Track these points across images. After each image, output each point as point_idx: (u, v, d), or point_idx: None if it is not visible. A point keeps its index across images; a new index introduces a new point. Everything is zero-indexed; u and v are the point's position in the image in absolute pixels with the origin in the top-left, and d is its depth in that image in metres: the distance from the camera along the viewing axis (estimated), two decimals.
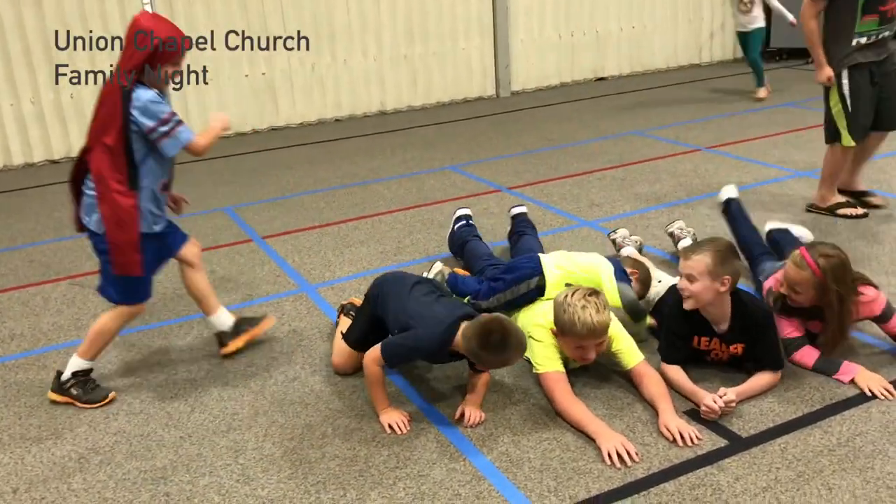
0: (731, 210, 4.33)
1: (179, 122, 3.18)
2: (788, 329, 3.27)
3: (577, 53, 10.01)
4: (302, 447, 2.98)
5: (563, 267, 3.56)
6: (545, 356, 3.16)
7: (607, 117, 8.17)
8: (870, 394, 3.04)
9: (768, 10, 8.54)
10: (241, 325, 3.71)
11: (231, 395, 3.38)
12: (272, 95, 8.61)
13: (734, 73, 10.10)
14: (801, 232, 4.33)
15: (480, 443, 2.93)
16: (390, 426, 3.04)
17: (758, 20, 8.29)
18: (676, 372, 3.17)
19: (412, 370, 3.47)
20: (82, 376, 3.38)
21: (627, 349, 3.20)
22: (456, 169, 6.65)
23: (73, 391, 3.36)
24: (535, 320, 3.27)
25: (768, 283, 3.41)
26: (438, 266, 3.98)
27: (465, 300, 3.62)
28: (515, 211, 4.64)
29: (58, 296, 4.56)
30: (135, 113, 3.09)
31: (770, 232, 4.33)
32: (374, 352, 3.06)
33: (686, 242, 4.28)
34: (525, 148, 7.18)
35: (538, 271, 3.52)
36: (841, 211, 4.87)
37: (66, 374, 3.38)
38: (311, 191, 6.31)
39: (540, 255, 3.71)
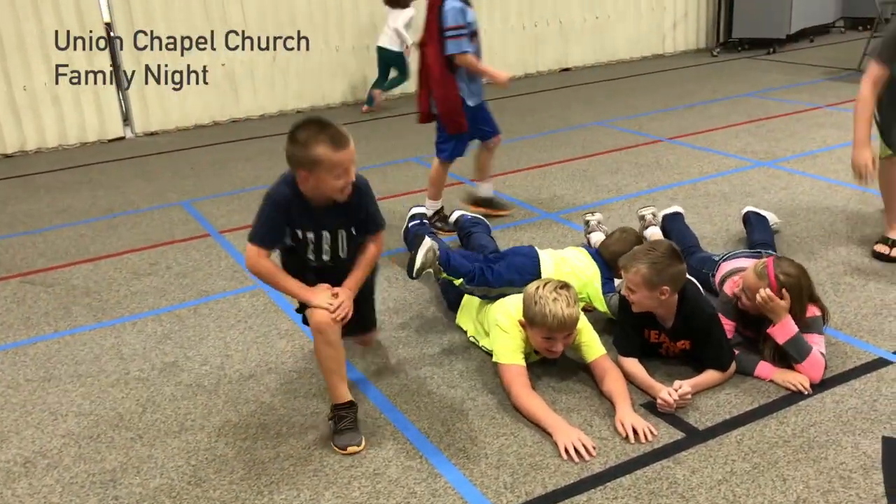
0: (675, 217, 4.36)
1: (464, 35, 4.45)
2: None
3: (542, 44, 9.99)
4: (256, 447, 2.93)
5: (559, 268, 3.58)
6: (508, 348, 3.14)
7: (571, 108, 8.16)
8: (793, 388, 3.04)
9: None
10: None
11: (184, 394, 3.31)
12: (232, 87, 8.48)
13: (697, 62, 10.15)
14: (772, 217, 4.41)
15: (437, 439, 2.90)
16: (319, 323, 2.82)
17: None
18: (633, 364, 3.16)
19: (369, 366, 3.43)
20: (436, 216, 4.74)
21: (590, 342, 3.20)
22: (419, 161, 6.59)
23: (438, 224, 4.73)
24: (506, 309, 3.25)
25: (728, 287, 3.39)
26: (428, 243, 3.61)
27: (458, 282, 3.54)
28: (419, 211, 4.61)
29: (8, 294, 4.45)
30: (442, 16, 4.36)
31: (747, 213, 4.38)
32: (248, 248, 2.90)
33: (652, 231, 4.27)
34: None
35: (537, 273, 3.53)
36: None
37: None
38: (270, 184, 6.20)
39: (539, 252, 3.70)
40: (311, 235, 2.94)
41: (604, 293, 3.57)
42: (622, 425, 2.87)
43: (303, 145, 2.79)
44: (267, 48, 8.38)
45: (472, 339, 3.57)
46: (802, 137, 5.06)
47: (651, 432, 2.84)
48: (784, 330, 3.08)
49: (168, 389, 3.35)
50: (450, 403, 3.12)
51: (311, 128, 2.82)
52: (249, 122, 8.54)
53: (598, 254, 3.77)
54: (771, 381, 3.11)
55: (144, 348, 3.72)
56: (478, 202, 5.13)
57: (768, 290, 3.05)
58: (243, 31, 8.25)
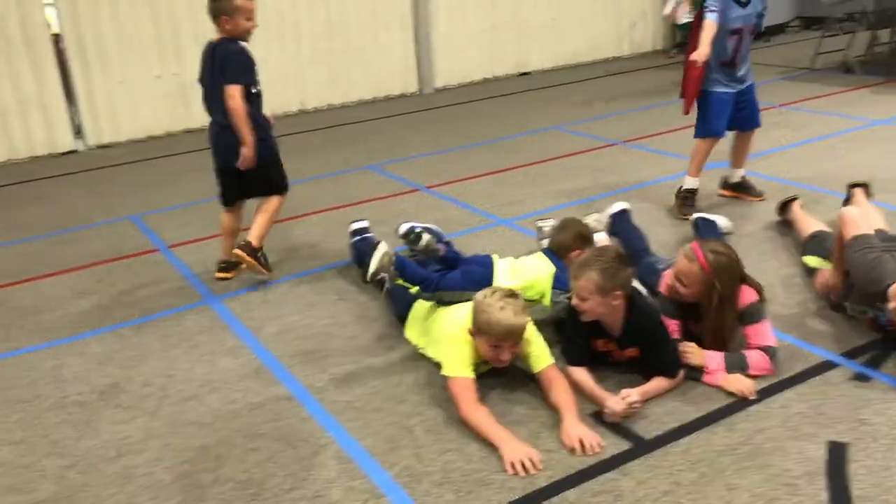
0: (621, 217, 4.35)
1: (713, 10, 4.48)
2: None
3: (501, 48, 9.97)
4: (195, 471, 2.84)
5: (514, 277, 3.55)
6: (457, 360, 3.08)
7: (529, 113, 8.14)
8: (739, 394, 3.02)
9: None
10: None
11: (123, 417, 3.22)
12: (185, 97, 8.35)
13: (653, 65, 10.19)
14: (722, 221, 4.40)
15: (381, 457, 2.84)
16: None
17: None
18: (581, 373, 3.13)
19: (314, 382, 3.35)
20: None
21: (538, 352, 3.15)
22: (376, 168, 6.53)
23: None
24: (454, 320, 3.20)
25: (662, 285, 3.37)
26: (384, 248, 3.61)
27: (415, 289, 3.50)
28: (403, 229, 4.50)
29: None
30: None
31: (696, 219, 4.40)
32: (231, 88, 4.06)
33: (597, 238, 4.24)
34: (446, 146, 7.10)
35: (489, 282, 3.50)
36: None
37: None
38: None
39: (497, 262, 3.66)
40: (257, 68, 4.17)
41: (554, 288, 3.52)
42: (568, 437, 2.83)
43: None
44: None
45: (421, 350, 3.51)
46: (756, 138, 5.08)
47: (598, 443, 2.80)
48: (715, 372, 3.10)
49: (107, 413, 3.25)
50: (396, 419, 3.06)
51: None
52: (203, 132, 8.38)
53: (552, 253, 3.72)
54: (717, 386, 3.09)
55: (85, 370, 3.61)
56: (729, 187, 5.18)
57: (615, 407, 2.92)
58: (195, 40, 8.13)
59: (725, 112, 4.81)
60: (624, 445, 2.81)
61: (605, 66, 10.36)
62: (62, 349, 3.82)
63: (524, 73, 10.19)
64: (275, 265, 4.64)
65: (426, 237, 3.72)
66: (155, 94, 8.16)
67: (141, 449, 3.00)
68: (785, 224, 4.57)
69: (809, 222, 4.25)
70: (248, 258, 4.22)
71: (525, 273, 3.60)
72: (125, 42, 7.88)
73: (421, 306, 3.61)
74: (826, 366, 3.19)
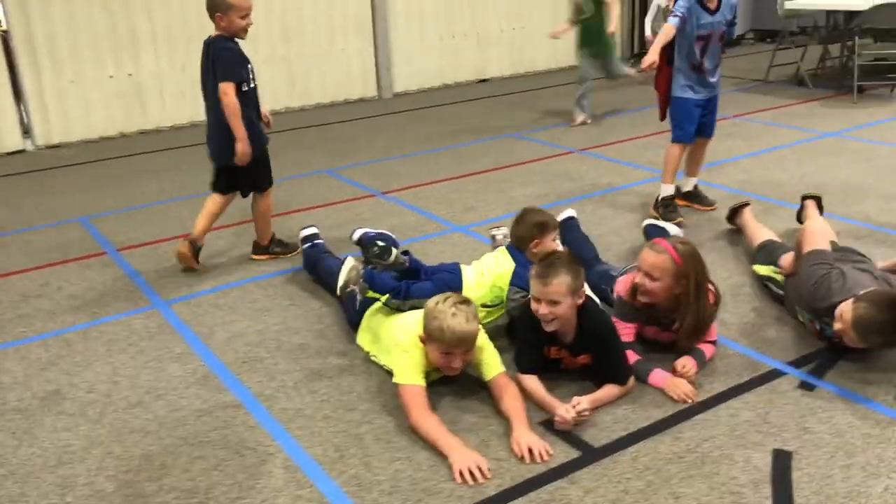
0: (569, 225, 4.38)
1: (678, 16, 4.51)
2: (621, 333, 3.24)
3: (460, 55, 9.98)
4: (138, 480, 2.78)
5: (479, 279, 3.56)
6: (408, 368, 3.06)
7: (487, 119, 8.16)
8: (677, 399, 3.07)
9: None
10: None
11: (65, 424, 3.13)
12: (140, 97, 8.21)
13: None
14: (673, 229, 4.44)
15: (330, 466, 2.80)
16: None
17: None
18: (531, 381, 3.12)
19: (263, 389, 3.30)
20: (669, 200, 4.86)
21: (490, 359, 3.15)
22: (332, 173, 6.48)
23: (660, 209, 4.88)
24: (406, 327, 3.18)
25: (618, 289, 3.40)
26: (351, 262, 3.61)
27: (384, 298, 3.49)
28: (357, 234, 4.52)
29: None
30: None
31: (647, 226, 4.45)
32: (225, 86, 4.17)
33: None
34: (404, 151, 7.08)
35: (459, 288, 3.50)
36: None
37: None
38: (177, 198, 6.02)
39: (462, 267, 3.66)
40: (250, 66, 4.29)
41: (512, 284, 3.50)
42: (518, 445, 2.82)
43: None
44: (177, 58, 8.16)
45: (373, 358, 3.48)
46: (710, 148, 5.15)
47: (547, 452, 2.79)
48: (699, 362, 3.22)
49: (48, 420, 3.17)
50: (346, 427, 3.03)
51: None
52: (159, 133, 8.28)
53: (514, 247, 3.72)
54: (661, 388, 3.12)
55: (26, 376, 3.51)
56: (681, 196, 5.18)
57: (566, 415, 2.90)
58: (152, 40, 8.03)
59: (695, 117, 4.88)
60: (573, 454, 2.81)
61: (563, 75, 10.42)
62: (3, 354, 3.71)
63: (483, 80, 10.22)
64: (227, 270, 4.58)
65: (393, 252, 3.70)
66: (108, 95, 8.02)
67: (83, 457, 2.92)
68: (735, 230, 4.63)
69: (759, 231, 4.31)
70: (262, 256, 4.66)
71: (488, 272, 3.59)
72: (77, 40, 7.73)
73: (373, 313, 3.59)
74: (773, 374, 3.24)
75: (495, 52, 10.23)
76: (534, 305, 3.05)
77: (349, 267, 3.60)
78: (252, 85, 4.30)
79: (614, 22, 7.45)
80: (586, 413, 2.93)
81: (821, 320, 3.32)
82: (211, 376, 3.43)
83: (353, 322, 3.70)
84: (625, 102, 8.47)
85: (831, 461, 2.69)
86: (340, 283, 3.57)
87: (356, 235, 4.51)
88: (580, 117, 7.61)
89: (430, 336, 3.01)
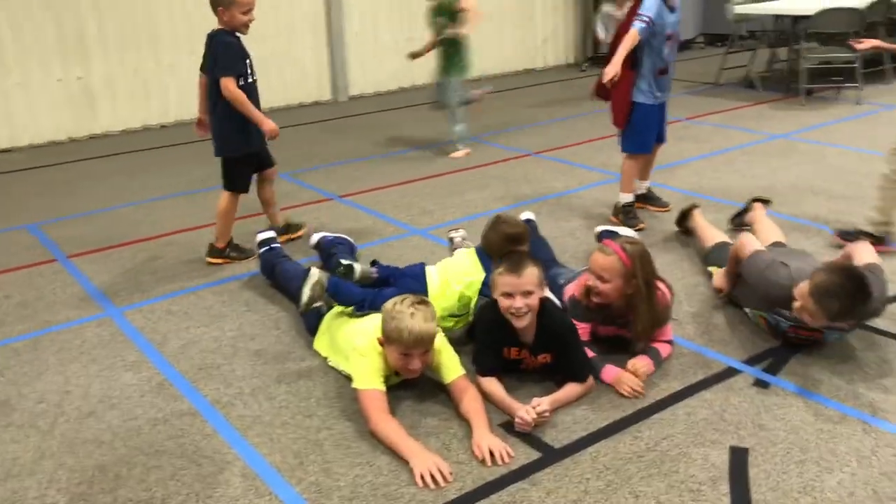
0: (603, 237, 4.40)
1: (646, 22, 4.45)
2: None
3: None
4: (92, 492, 2.71)
5: (444, 284, 3.53)
6: (367, 372, 3.04)
7: (443, 122, 8.14)
8: (625, 392, 3.12)
9: None
10: None
11: (14, 436, 3.05)
12: (90, 101, 8.05)
13: (566, 77, 10.37)
14: (627, 233, 4.46)
15: (289, 473, 2.77)
16: None
17: None
18: (491, 383, 3.13)
19: (220, 396, 3.25)
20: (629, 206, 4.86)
21: (449, 362, 3.14)
22: (288, 177, 6.42)
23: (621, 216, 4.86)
24: (364, 332, 3.15)
25: (569, 291, 3.42)
26: (315, 276, 3.57)
27: (349, 309, 3.46)
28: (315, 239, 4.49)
29: None
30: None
31: (601, 232, 4.47)
32: (225, 80, 4.27)
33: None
34: (361, 154, 7.04)
35: (423, 287, 3.50)
36: None
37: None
38: (128, 203, 5.91)
39: (427, 269, 3.65)
40: (249, 61, 4.40)
41: (481, 294, 3.50)
42: (479, 448, 2.82)
43: None
44: (128, 61, 8.03)
45: (331, 363, 3.45)
46: (662, 150, 5.21)
47: (507, 454, 2.80)
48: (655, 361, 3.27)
49: None
50: (305, 434, 3.00)
51: None
52: (110, 137, 8.12)
53: (483, 252, 3.70)
54: (612, 385, 3.16)
55: None
56: (636, 198, 5.13)
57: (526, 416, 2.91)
58: (101, 42, 7.88)
59: (654, 124, 4.86)
60: (534, 455, 2.82)
61: (518, 79, 10.50)
62: None
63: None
64: (182, 276, 4.51)
65: (358, 268, 3.65)
66: (57, 99, 7.84)
67: (33, 470, 2.84)
68: (685, 234, 4.69)
69: (711, 232, 4.38)
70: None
71: (456, 280, 3.56)
72: (24, 43, 7.55)
73: (331, 318, 3.56)
74: (729, 372, 3.29)
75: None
76: (506, 302, 3.04)
77: (313, 281, 3.56)
78: (251, 79, 4.40)
79: (464, 28, 6.68)
80: (546, 414, 2.94)
81: (774, 313, 3.38)
82: (166, 384, 3.37)
83: (311, 327, 3.67)
84: (577, 106, 8.55)
85: (787, 457, 2.74)
86: (304, 299, 3.53)
87: (314, 240, 4.47)
88: (460, 151, 6.79)
89: (389, 338, 3.00)
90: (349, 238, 4.55)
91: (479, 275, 3.55)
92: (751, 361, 3.36)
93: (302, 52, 9.15)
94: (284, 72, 9.07)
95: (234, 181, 4.59)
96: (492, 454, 2.79)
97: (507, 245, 3.54)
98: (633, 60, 4.62)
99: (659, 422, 2.98)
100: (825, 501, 2.53)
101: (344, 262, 3.69)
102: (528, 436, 2.91)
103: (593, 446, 2.85)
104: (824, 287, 3.02)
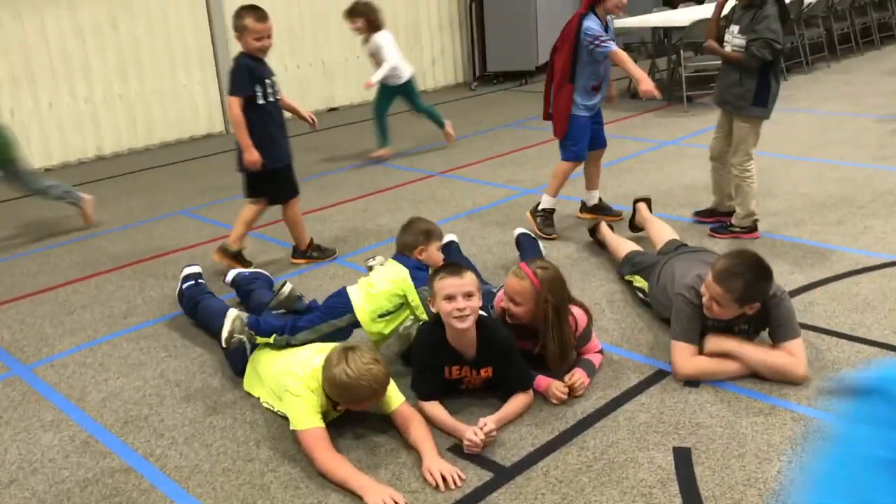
0: (451, 249, 4.43)
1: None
2: None
3: (306, 84, 9.89)
4: None
5: (368, 295, 3.50)
6: (304, 412, 2.96)
7: (344, 148, 8.12)
8: (554, 401, 3.19)
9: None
10: None
11: None
12: None
13: (458, 97, 10.51)
14: (541, 244, 4.64)
15: None
16: None
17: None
18: (434, 407, 3.12)
19: (152, 448, 3.10)
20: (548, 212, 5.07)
21: (390, 391, 3.09)
22: (187, 213, 6.24)
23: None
24: (292, 372, 3.06)
25: (497, 302, 3.45)
26: (233, 313, 3.46)
27: (272, 339, 3.37)
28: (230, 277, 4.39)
29: None
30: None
31: (518, 235, 4.62)
32: (231, 101, 4.51)
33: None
34: None
35: (349, 308, 3.47)
36: None
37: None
38: (19, 254, 5.59)
39: (348, 288, 3.60)
40: (268, 81, 4.58)
41: (417, 285, 3.50)
42: (430, 474, 2.80)
43: (237, 17, 4.51)
44: (3, 99, 7.62)
45: (265, 403, 3.35)
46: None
47: (459, 477, 2.79)
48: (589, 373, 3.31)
49: None
50: (249, 479, 2.90)
51: (245, 7, 4.51)
52: None
53: (400, 255, 3.71)
54: (543, 393, 3.22)
55: None
56: (588, 209, 5.39)
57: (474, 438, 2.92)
58: (12, 80, 7.46)
59: (588, 135, 5.09)
60: (486, 476, 2.82)
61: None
62: None
63: (332, 109, 10.17)
64: (91, 326, 4.30)
65: (229, 328, 3.55)
66: None
67: None
68: (598, 245, 4.82)
69: (620, 244, 4.50)
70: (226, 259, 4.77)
71: (380, 282, 3.54)
72: None
73: (257, 358, 3.46)
74: (659, 375, 3.39)
75: (342, 81, 10.22)
76: (448, 305, 3.03)
77: (232, 317, 3.46)
78: (271, 99, 4.60)
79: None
80: (493, 433, 2.95)
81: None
82: (91, 441, 3.20)
83: (238, 368, 3.56)
84: (472, 125, 8.68)
85: (727, 452, 2.85)
86: (224, 334, 3.41)
87: (229, 277, 4.35)
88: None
89: (350, 398, 2.94)
90: (266, 272, 4.45)
91: (402, 271, 3.56)
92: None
93: (190, 85, 8.91)
94: (173, 106, 8.82)
95: (280, 193, 4.83)
96: (444, 479, 2.77)
97: (420, 240, 3.67)
98: (571, 75, 4.87)
99: (602, 429, 3.04)
100: (769, 491, 2.64)
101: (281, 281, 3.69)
102: (478, 457, 2.91)
103: (543, 461, 2.87)
104: (726, 270, 3.17)
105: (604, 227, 4.74)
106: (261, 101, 4.53)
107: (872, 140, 6.77)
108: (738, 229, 4.81)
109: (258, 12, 4.48)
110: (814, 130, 7.28)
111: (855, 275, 4.19)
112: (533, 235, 4.65)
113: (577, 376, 3.26)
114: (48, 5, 7.83)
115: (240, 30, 4.50)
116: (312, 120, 5.06)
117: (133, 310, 4.47)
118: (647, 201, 4.85)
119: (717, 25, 4.82)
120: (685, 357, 3.31)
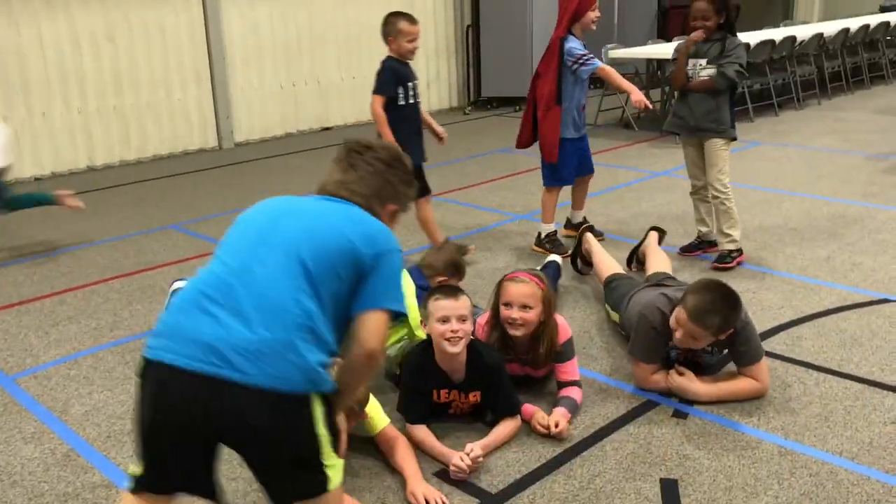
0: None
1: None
2: None
3: (301, 103, 9.92)
4: None
5: None
6: None
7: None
8: (544, 431, 3.14)
9: None
10: None
11: None
12: None
13: (452, 121, 10.55)
14: (558, 259, 4.76)
15: None
16: None
17: None
18: (421, 431, 3.09)
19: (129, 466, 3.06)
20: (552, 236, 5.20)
21: (374, 413, 3.07)
22: (178, 228, 6.21)
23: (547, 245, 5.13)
24: None
25: (480, 324, 3.41)
26: None
27: None
28: None
29: None
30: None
31: (547, 262, 4.70)
32: (374, 98, 4.83)
33: None
34: (251, 201, 6.82)
35: None
36: None
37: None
38: (5, 263, 5.55)
39: None
40: (410, 84, 4.89)
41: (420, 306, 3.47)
42: (414, 497, 2.78)
43: (388, 23, 4.82)
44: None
45: None
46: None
47: (443, 501, 2.77)
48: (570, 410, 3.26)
49: None
50: (231, 498, 2.86)
51: (394, 13, 4.85)
52: None
53: (418, 270, 3.69)
54: (528, 420, 3.19)
55: None
56: (572, 227, 5.51)
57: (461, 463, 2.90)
58: None
59: (575, 160, 5.14)
60: (472, 502, 2.80)
61: None
62: None
63: (326, 129, 10.19)
64: (76, 338, 4.26)
65: None
66: None
67: None
68: (583, 261, 4.81)
69: (603, 259, 4.50)
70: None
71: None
72: None
73: None
74: (647, 405, 3.38)
75: (336, 101, 10.25)
76: (441, 327, 3.02)
77: None
78: (412, 101, 4.89)
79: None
80: (480, 459, 2.93)
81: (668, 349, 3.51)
82: (73, 455, 3.15)
83: None
84: (466, 149, 8.71)
85: (714, 485, 2.83)
86: None
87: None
88: None
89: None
90: None
91: (410, 286, 3.52)
92: (667, 393, 3.46)
93: (185, 99, 8.92)
94: (166, 120, 8.82)
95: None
96: (427, 503, 2.75)
97: (448, 271, 3.63)
98: (558, 97, 4.97)
99: (589, 458, 3.02)
100: None
101: None
102: (464, 483, 2.89)
103: (529, 489, 2.85)
104: (700, 308, 3.17)
105: (590, 238, 4.74)
106: (402, 103, 4.81)
107: (862, 177, 6.84)
108: (736, 254, 4.87)
109: (409, 16, 4.80)
110: (804, 166, 7.34)
111: (843, 311, 4.21)
112: (559, 263, 4.69)
113: (560, 417, 3.17)
114: (46, 15, 7.84)
115: (393, 34, 4.77)
116: (442, 136, 5.21)
117: (119, 323, 4.44)
118: (661, 233, 4.83)
119: (685, 72, 4.81)
120: (645, 376, 3.45)
